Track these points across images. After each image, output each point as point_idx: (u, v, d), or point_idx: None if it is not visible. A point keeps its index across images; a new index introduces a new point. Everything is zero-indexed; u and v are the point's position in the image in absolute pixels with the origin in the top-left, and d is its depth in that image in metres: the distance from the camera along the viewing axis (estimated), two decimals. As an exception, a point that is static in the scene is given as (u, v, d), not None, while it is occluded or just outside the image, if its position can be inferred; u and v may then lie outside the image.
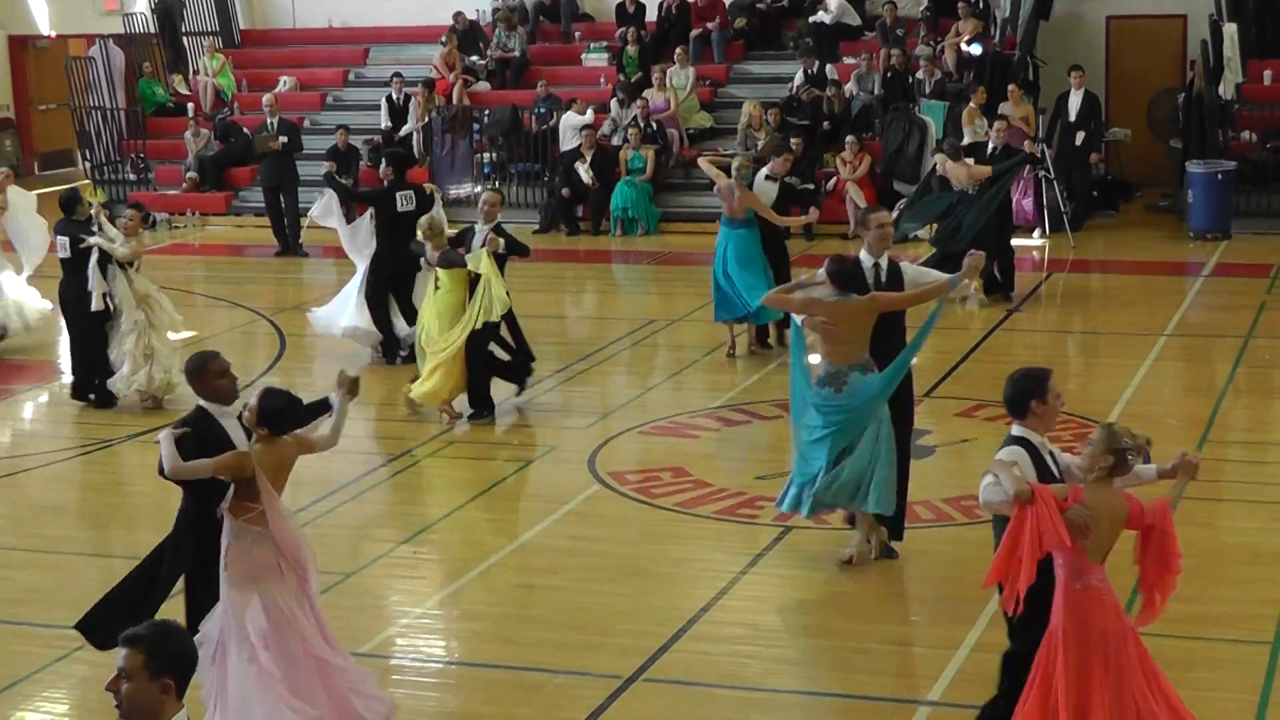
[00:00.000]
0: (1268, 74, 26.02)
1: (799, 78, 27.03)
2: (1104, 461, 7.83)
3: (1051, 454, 8.27)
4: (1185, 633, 10.32)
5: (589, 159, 25.96)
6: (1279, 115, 24.96)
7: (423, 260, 15.81)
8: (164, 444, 8.84)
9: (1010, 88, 24.71)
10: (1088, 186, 25.25)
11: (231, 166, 28.80)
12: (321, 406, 9.44)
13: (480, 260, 15.11)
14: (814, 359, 11.68)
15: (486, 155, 27.96)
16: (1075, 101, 24.71)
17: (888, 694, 9.83)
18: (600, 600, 11.11)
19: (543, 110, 27.76)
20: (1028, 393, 8.31)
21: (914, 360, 11.68)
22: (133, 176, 29.70)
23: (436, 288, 15.42)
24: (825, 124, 26.04)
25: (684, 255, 24.08)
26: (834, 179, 25.27)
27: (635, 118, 26.48)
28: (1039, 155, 23.63)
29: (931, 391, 16.16)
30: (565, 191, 25.95)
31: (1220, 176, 23.56)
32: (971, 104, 24.35)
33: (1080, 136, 24.68)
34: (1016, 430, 8.29)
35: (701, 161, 19.34)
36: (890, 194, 25.01)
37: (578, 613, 10.91)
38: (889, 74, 26.50)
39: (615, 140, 26.57)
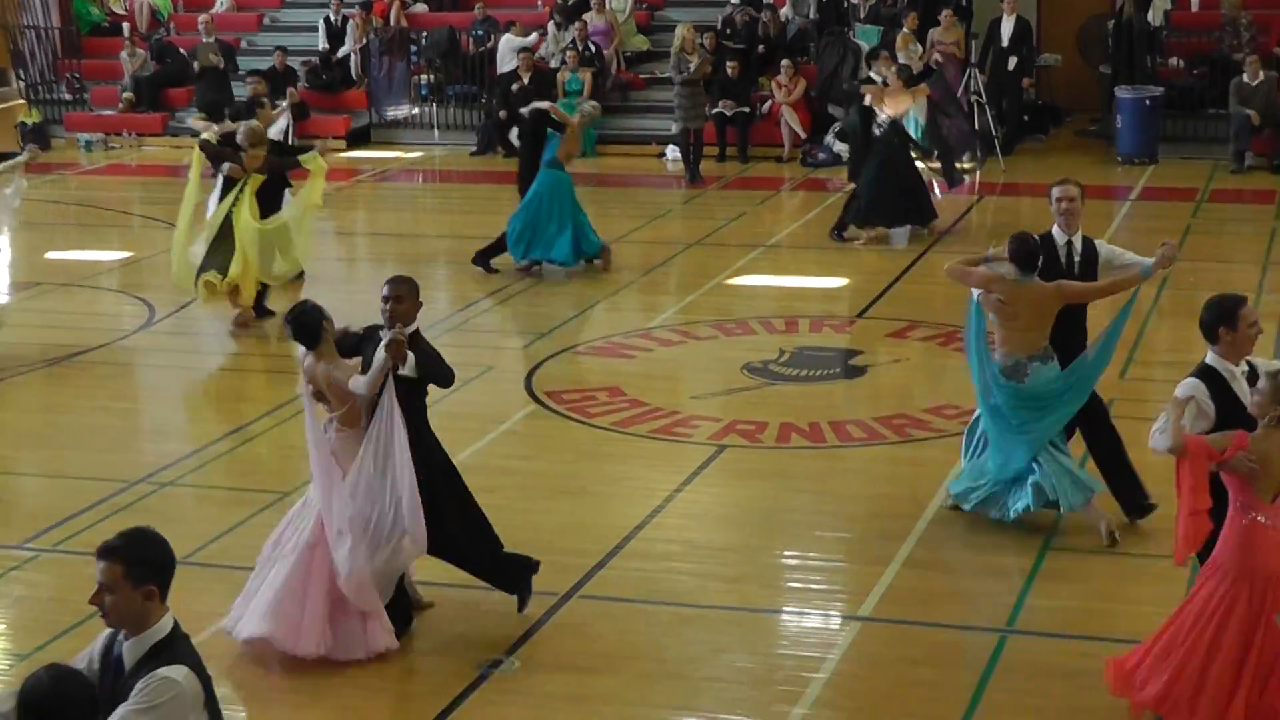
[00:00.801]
0: (1195, 0, 26.25)
1: (735, 1, 27.09)
2: (1274, 410, 7.71)
3: (1251, 372, 8.10)
4: (1110, 550, 10.58)
5: (526, 81, 25.93)
6: (1206, 42, 25.18)
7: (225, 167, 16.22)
8: None
9: (943, 13, 24.84)
10: (1019, 111, 25.44)
11: (168, 87, 28.61)
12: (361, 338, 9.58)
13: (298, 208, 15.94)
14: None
15: (424, 77, 27.90)
16: (1007, 27, 24.85)
17: (819, 609, 10.06)
18: (536, 519, 11.25)
19: (480, 32, 27.71)
20: (1217, 319, 8.27)
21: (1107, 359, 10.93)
22: (68, 96, 29.48)
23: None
24: (760, 47, 26.12)
25: (621, 177, 24.19)
26: (769, 102, 25.37)
27: (573, 40, 26.48)
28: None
29: (864, 312, 16.38)
30: (502, 114, 25.91)
31: (1148, 102, 23.79)
32: (905, 29, 24.50)
33: (1012, 62, 24.83)
34: (1208, 358, 8.26)
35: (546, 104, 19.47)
36: (825, 118, 25.18)
37: (514, 531, 11.00)
38: (824, -2, 26.60)
39: (553, 63, 26.56)
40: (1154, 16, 25.10)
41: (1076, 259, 10.98)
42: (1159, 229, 19.76)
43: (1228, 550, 7.82)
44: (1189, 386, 8.11)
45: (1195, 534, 7.86)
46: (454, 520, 9.54)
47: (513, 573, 9.76)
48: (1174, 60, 25.33)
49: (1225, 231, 19.99)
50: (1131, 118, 23.84)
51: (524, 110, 18.96)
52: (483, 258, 18.18)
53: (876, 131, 19.17)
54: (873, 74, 21.08)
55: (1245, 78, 23.23)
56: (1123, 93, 23.92)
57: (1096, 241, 11.20)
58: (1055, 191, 11.12)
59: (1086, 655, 9.16)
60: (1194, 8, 26.31)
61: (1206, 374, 8.18)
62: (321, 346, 9.38)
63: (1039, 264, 10.66)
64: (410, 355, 9.13)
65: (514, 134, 21.76)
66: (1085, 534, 10.77)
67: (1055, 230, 11.08)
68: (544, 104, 18.96)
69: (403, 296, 9.31)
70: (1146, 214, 21.03)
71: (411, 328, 9.27)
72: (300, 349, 9.52)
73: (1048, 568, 10.30)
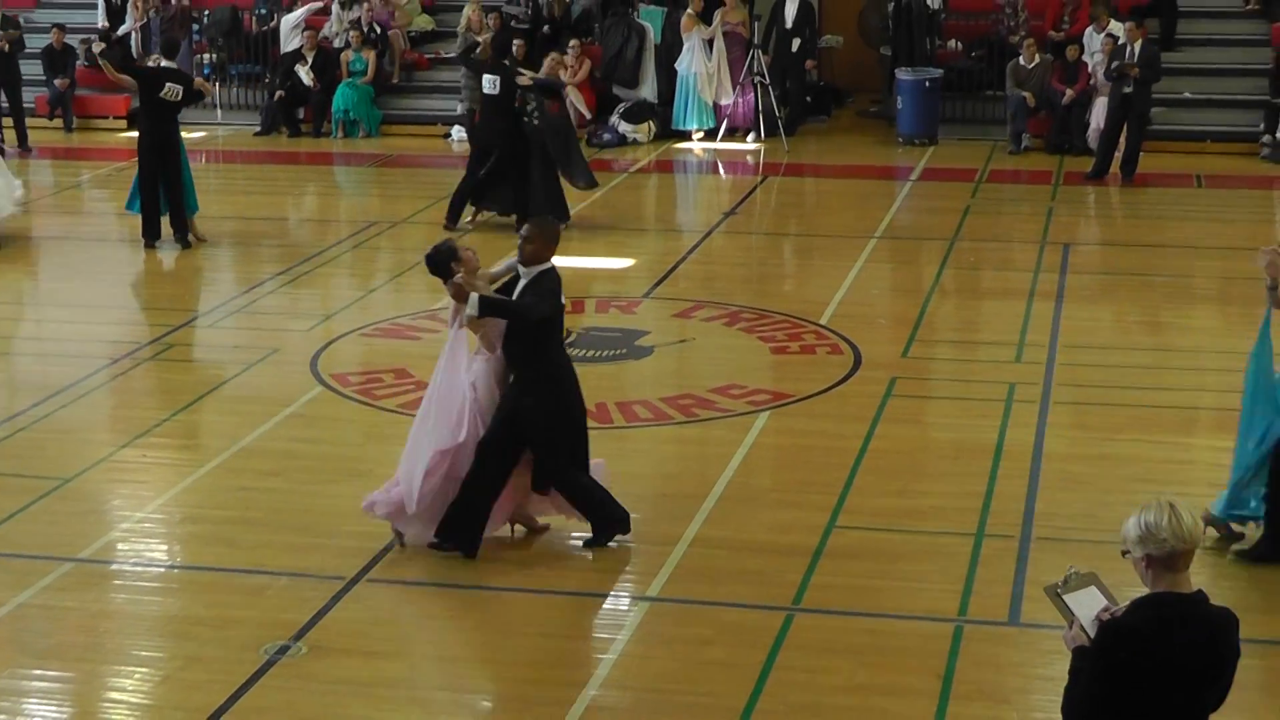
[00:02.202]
0: (974, -16, 26.73)
1: (522, -20, 26.98)
2: None
3: None
4: (893, 525, 10.73)
5: (310, 60, 25.62)
6: (983, 25, 25.64)
7: None
8: None
9: (728, -7, 24.99)
10: (802, 92, 25.69)
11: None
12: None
13: None
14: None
15: (206, 56, 27.39)
16: (791, 9, 25.06)
17: (608, 590, 10.05)
18: (323, 502, 11.12)
19: (263, 11, 27.27)
20: None
21: None
22: None
23: None
24: (545, 28, 26.03)
25: (405, 158, 23.98)
26: (554, 82, 25.28)
27: (358, 20, 26.17)
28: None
29: (650, 292, 16.41)
30: (279, 93, 25.58)
31: (928, 84, 24.16)
32: (690, 10, 24.62)
33: (796, 43, 25.06)
34: None
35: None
36: (610, 99, 25.19)
37: (300, 514, 10.91)
38: (609, -22, 26.57)
39: (337, 43, 26.23)
40: (932, 0, 25.50)
41: None
42: (940, 208, 20.15)
43: None
44: None
45: None
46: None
47: (608, 514, 10.39)
48: (953, 43, 25.76)
49: (1004, 211, 20.37)
50: (912, 99, 24.19)
51: (523, 81, 18.62)
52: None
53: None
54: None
55: (1021, 60, 23.70)
56: (903, 75, 24.25)
57: None
58: None
59: (872, 632, 9.29)
60: (971, -9, 26.77)
61: None
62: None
63: None
64: (473, 295, 9.78)
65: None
66: (868, 513, 10.90)
67: None
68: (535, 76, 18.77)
69: (531, 238, 10.06)
70: (927, 194, 21.36)
71: (541, 267, 10.01)
72: None
73: (833, 545, 10.38)
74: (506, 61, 19.33)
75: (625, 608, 9.75)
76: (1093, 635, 5.75)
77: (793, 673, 8.82)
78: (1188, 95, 24.55)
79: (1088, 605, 5.82)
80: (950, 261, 17.63)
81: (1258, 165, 22.80)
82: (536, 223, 10.37)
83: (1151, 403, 13.22)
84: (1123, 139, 21.45)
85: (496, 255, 12.43)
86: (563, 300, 10.21)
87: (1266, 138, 23.17)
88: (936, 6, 25.61)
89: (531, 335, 10.07)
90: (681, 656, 9.06)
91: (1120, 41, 21.71)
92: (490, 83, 18.72)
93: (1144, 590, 5.72)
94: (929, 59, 24.91)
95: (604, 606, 9.86)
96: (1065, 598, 5.86)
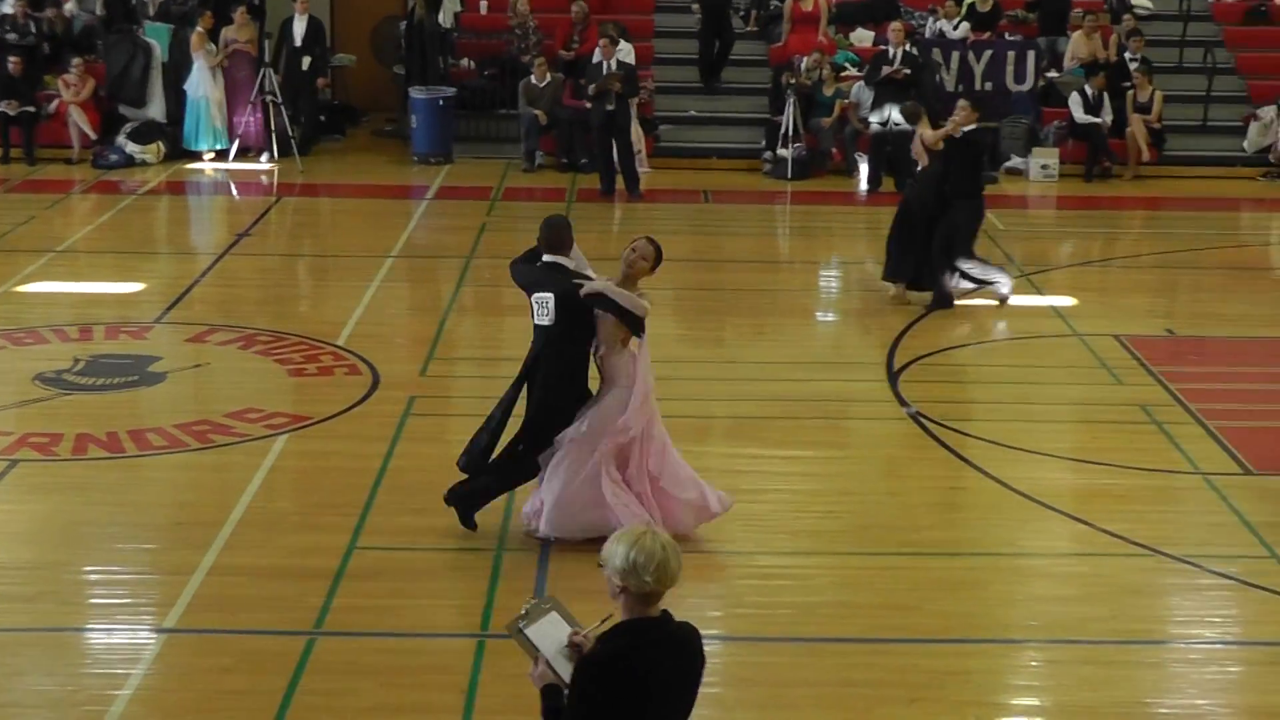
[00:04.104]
0: (484, 4, 26.93)
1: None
2: None
3: None
4: (414, 544, 10.72)
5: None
6: (495, 44, 25.87)
7: None
8: None
9: (237, 11, 24.59)
10: (315, 111, 25.47)
11: None
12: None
13: None
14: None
15: None
16: (300, 26, 24.82)
17: (124, 623, 9.74)
18: None
19: None
20: None
21: None
22: None
23: None
24: (46, 45, 25.13)
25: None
26: (56, 101, 24.43)
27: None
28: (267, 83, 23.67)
29: (162, 317, 16.00)
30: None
31: (441, 102, 24.26)
32: (200, 27, 24.14)
33: (306, 61, 24.83)
34: None
35: None
36: (116, 118, 24.48)
37: None
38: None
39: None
40: (445, 18, 25.63)
41: None
42: (456, 226, 20.27)
43: None
44: None
45: None
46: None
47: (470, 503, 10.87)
48: (465, 61, 25.91)
49: (519, 228, 20.50)
50: (426, 118, 24.25)
51: None
52: None
53: None
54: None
55: (533, 79, 24.02)
56: (417, 93, 24.29)
57: None
58: None
59: (395, 651, 9.25)
60: (483, 10, 26.98)
61: None
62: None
63: None
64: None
65: None
66: (389, 532, 10.86)
67: None
68: None
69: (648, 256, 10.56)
70: (443, 212, 21.44)
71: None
72: None
73: (355, 566, 10.31)
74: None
75: (143, 641, 9.46)
76: (559, 669, 5.73)
77: (315, 697, 8.71)
78: (693, 113, 25.35)
79: (552, 636, 5.76)
80: (467, 279, 17.73)
81: (761, 181, 23.65)
82: (545, 220, 10.80)
83: (666, 413, 13.49)
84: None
85: None
86: (529, 288, 10.57)
87: (768, 154, 24.07)
88: (449, 25, 25.78)
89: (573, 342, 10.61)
90: (200, 687, 8.85)
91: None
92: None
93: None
94: (443, 77, 25.03)
95: (120, 641, 9.54)
96: (527, 632, 5.76)
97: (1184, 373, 14.78)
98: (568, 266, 10.58)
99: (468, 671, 8.98)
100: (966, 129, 16.55)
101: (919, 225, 16.46)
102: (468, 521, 10.75)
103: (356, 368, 14.41)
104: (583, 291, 10.36)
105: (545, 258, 10.61)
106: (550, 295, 10.42)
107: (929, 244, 16.43)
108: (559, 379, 10.53)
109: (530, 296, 10.59)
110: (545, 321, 10.47)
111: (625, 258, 10.57)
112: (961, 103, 17.11)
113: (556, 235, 10.63)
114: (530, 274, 10.63)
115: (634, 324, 10.40)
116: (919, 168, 16.88)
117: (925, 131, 16.58)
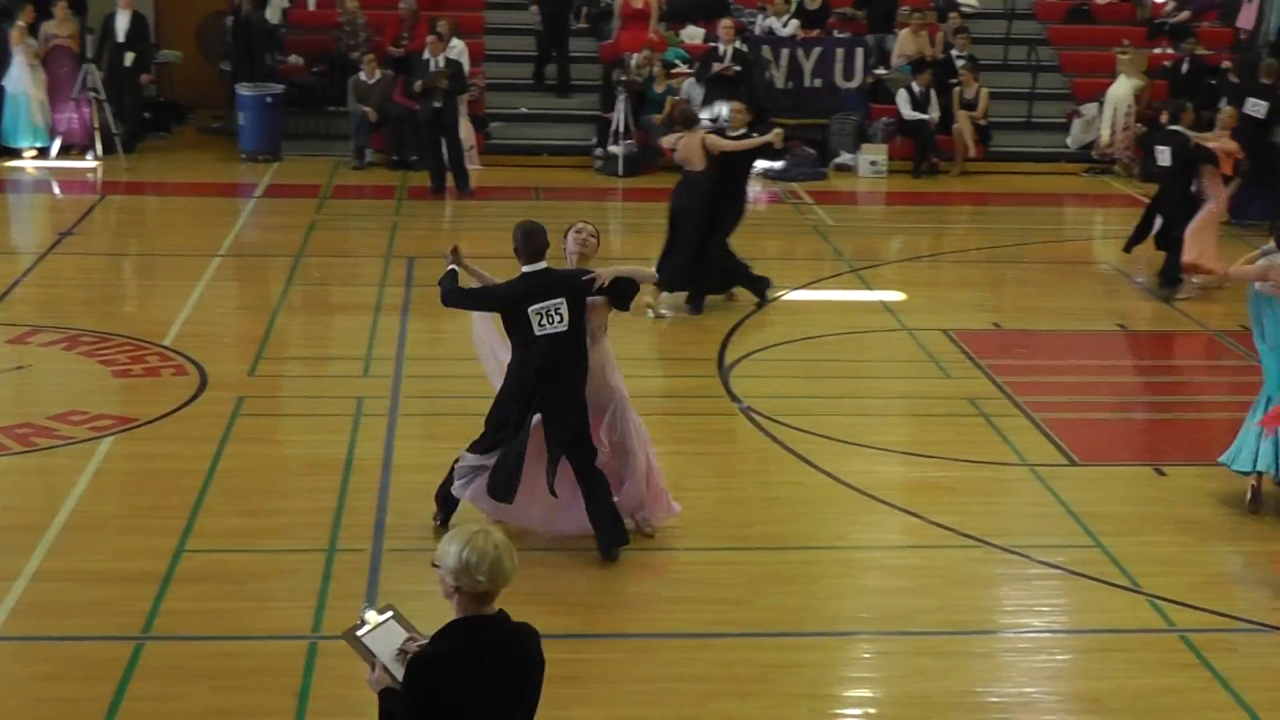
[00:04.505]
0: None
1: None
2: None
3: None
4: (244, 546, 10.59)
5: None
6: (324, 40, 25.64)
7: None
8: None
9: (57, 5, 24.10)
10: (139, 108, 25.04)
11: None
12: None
13: None
14: None
15: None
16: (123, 22, 24.37)
17: (-57, 631, 9.53)
18: None
19: None
20: None
21: None
22: None
23: None
24: None
25: None
26: None
27: None
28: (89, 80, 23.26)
29: (-17, 319, 15.68)
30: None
31: (269, 99, 23.98)
32: (20, 22, 23.64)
33: (130, 57, 24.39)
34: None
35: None
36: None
37: None
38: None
39: None
40: (272, 14, 25.33)
41: None
42: (285, 225, 20.04)
43: None
44: None
45: None
46: None
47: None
48: (294, 58, 25.64)
49: (350, 226, 20.41)
50: (253, 115, 23.95)
51: None
52: None
53: None
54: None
55: (363, 76, 23.83)
56: (244, 90, 23.98)
57: None
58: None
59: (226, 654, 9.14)
60: (311, 6, 26.71)
61: None
62: None
63: None
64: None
65: None
66: (219, 535, 10.72)
67: None
68: None
69: (514, 240, 10.40)
70: (272, 210, 21.18)
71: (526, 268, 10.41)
72: None
73: (184, 569, 10.16)
74: None
75: (-37, 649, 9.26)
76: (396, 673, 5.73)
77: (143, 703, 8.58)
78: (524, 110, 25.30)
79: (388, 642, 5.78)
80: (296, 278, 17.54)
81: (592, 177, 23.67)
82: (519, 225, 10.48)
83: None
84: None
85: None
86: (523, 303, 10.30)
87: (599, 151, 24.08)
88: (276, 21, 25.49)
89: (507, 331, 10.55)
90: (25, 695, 8.68)
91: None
92: None
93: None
94: (270, 73, 24.73)
95: (-62, 650, 9.32)
96: (364, 639, 5.78)
97: (1010, 366, 15.00)
98: (554, 270, 10.43)
99: (299, 674, 8.89)
100: (736, 133, 16.55)
101: (690, 231, 16.23)
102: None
103: (184, 368, 14.20)
104: (606, 280, 10.39)
105: (526, 269, 10.38)
106: (562, 299, 10.25)
107: (701, 249, 16.24)
108: (585, 377, 10.50)
109: (519, 311, 10.30)
110: (558, 328, 10.25)
111: (575, 242, 10.84)
112: (735, 105, 17.11)
113: (538, 243, 10.36)
114: (521, 290, 10.36)
115: (628, 300, 10.70)
116: (689, 171, 16.37)
117: (713, 139, 16.37)
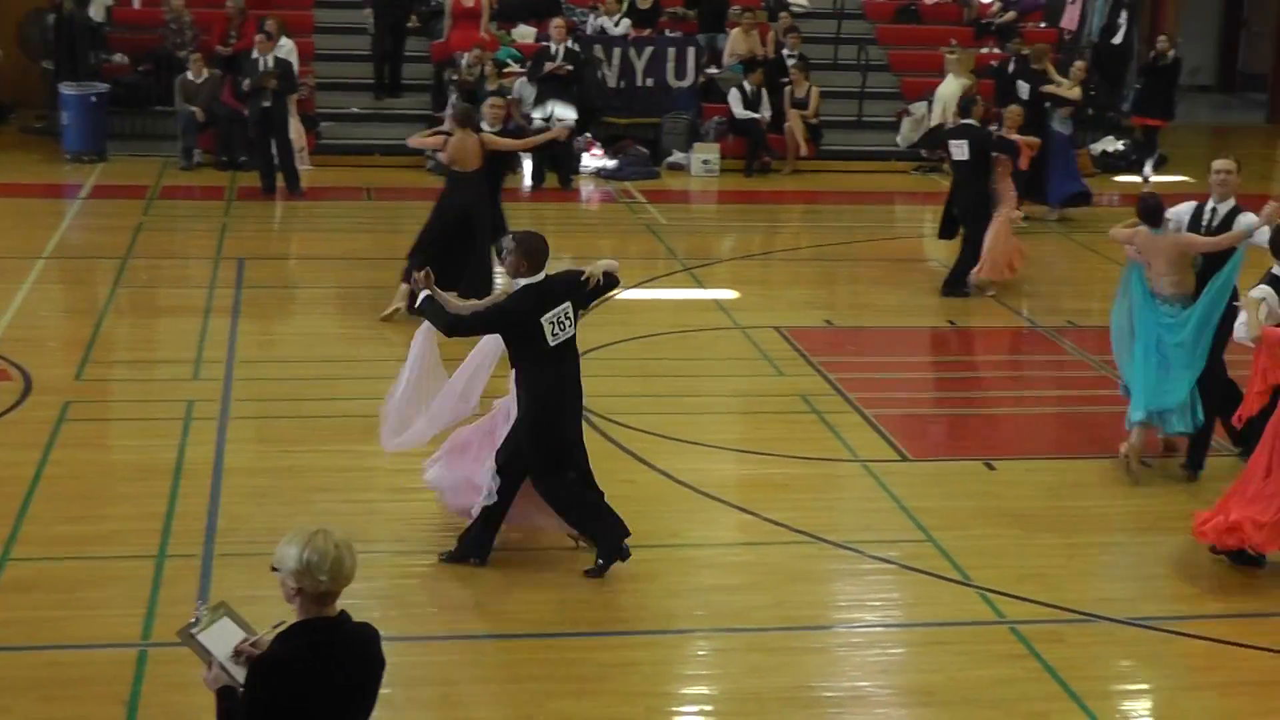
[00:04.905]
0: (138, -3, 26.33)
1: None
2: None
3: None
4: (72, 553, 10.40)
5: None
6: (150, 38, 25.24)
7: None
8: None
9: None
10: (-41, 107, 24.59)
11: None
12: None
13: None
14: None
15: None
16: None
17: None
18: None
19: None
20: None
21: (1218, 315, 12.04)
22: None
23: None
24: None
25: None
26: None
27: None
28: None
29: None
30: None
31: (94, 99, 23.59)
32: None
33: (-50, 56, 23.95)
34: (1275, 269, 10.59)
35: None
36: None
37: None
38: None
39: None
40: (96, 12, 24.92)
41: (1216, 223, 12.32)
42: (111, 226, 19.74)
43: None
44: (1262, 290, 10.41)
45: (1256, 406, 10.51)
46: None
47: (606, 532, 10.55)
48: (119, 56, 25.22)
49: (178, 228, 20.13)
50: (78, 114, 23.55)
51: None
52: None
53: None
54: None
55: (190, 75, 23.52)
56: (67, 89, 23.57)
57: (1243, 213, 12.25)
58: (1215, 164, 12.54)
59: (53, 664, 8.97)
60: (137, 4, 26.30)
61: (1274, 281, 10.51)
62: None
63: (1164, 219, 12.35)
64: (422, 294, 10.17)
65: None
66: (45, 542, 10.52)
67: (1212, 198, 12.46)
68: None
69: (511, 250, 10.11)
70: (98, 212, 20.84)
71: (524, 280, 10.05)
72: None
73: (9, 578, 9.97)
74: None
75: None
76: (233, 671, 5.70)
77: (-31, 716, 8.40)
78: (355, 110, 25.13)
79: (224, 641, 5.77)
80: (124, 280, 17.27)
81: (424, 178, 23.52)
82: (517, 236, 10.25)
83: (330, 413, 13.39)
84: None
85: None
86: (534, 315, 10.02)
87: (431, 150, 23.97)
88: (100, 19, 25.07)
89: (512, 350, 10.22)
90: None
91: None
92: None
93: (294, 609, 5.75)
94: (94, 72, 24.32)
95: None
96: (199, 637, 5.77)
97: (843, 363, 15.14)
98: (551, 276, 10.27)
99: (129, 682, 8.75)
100: (494, 129, 16.23)
101: (455, 235, 15.81)
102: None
103: (7, 373, 13.92)
104: (600, 274, 10.33)
105: (527, 281, 10.11)
106: (568, 304, 10.17)
107: (470, 253, 15.98)
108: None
109: (532, 324, 10.06)
110: (568, 333, 10.23)
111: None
112: (493, 100, 16.85)
113: (544, 253, 10.19)
114: (531, 302, 10.10)
115: (607, 293, 10.83)
116: (461, 172, 15.86)
117: (491, 138, 15.94)
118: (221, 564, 10.21)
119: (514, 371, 10.28)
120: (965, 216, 17.93)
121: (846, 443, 12.95)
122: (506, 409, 10.55)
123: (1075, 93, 22.21)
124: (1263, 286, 10.62)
